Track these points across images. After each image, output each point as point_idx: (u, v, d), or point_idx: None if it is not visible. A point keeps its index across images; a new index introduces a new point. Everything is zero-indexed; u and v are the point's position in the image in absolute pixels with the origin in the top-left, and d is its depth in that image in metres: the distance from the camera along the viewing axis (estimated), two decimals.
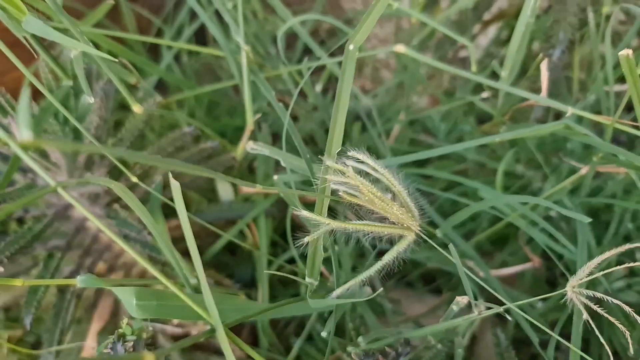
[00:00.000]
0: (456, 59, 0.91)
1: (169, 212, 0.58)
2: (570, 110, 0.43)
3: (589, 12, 0.57)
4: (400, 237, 0.38)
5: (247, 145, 0.46)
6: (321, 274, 0.59)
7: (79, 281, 0.38)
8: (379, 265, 0.37)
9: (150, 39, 0.51)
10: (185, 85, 0.61)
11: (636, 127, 0.44)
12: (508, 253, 0.66)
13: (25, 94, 0.23)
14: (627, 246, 0.44)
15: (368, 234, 0.37)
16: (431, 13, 0.72)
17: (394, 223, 0.37)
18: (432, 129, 0.72)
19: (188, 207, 0.62)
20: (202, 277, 0.29)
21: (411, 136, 0.69)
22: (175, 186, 0.28)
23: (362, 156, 0.36)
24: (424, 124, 0.73)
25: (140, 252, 0.58)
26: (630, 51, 0.34)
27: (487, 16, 0.77)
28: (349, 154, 0.35)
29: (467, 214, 0.48)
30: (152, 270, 0.35)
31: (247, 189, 0.60)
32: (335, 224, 0.35)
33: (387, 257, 0.37)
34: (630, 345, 0.42)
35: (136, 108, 0.43)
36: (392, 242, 0.62)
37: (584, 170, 0.50)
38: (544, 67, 0.48)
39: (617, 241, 0.63)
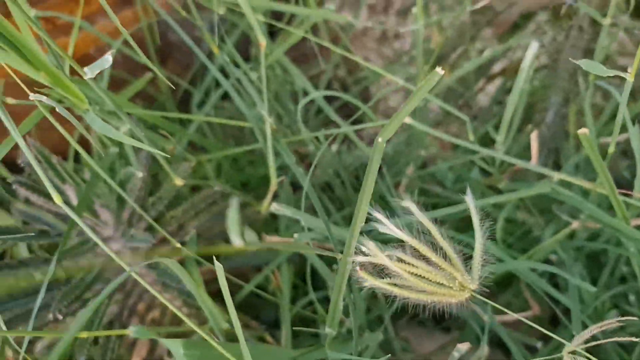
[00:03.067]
0: (466, 104, 0.97)
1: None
2: (556, 176, 0.49)
3: (579, 77, 0.63)
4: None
5: (271, 207, 0.53)
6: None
7: (132, 332, 0.45)
8: None
9: (180, 115, 0.58)
10: (213, 147, 0.69)
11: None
12: (512, 294, 0.71)
13: (234, 204, 0.29)
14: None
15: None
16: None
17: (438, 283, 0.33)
18: (440, 178, 0.78)
19: (218, 255, 0.68)
20: (239, 332, 0.35)
21: (420, 185, 0.75)
22: (219, 268, 0.34)
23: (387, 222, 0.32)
24: (432, 172, 0.79)
25: (177, 298, 0.64)
26: (587, 130, 0.40)
27: (491, 71, 0.83)
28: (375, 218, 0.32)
29: (483, 274, 0.54)
30: (188, 321, 0.41)
31: (270, 237, 0.67)
32: (376, 284, 0.33)
33: None
34: None
35: (177, 181, 0.50)
36: None
37: (575, 224, 0.56)
38: (533, 137, 0.54)
39: (613, 282, 0.68)
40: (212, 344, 0.37)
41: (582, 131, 0.41)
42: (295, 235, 0.53)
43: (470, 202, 0.32)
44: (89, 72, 0.38)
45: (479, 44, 0.87)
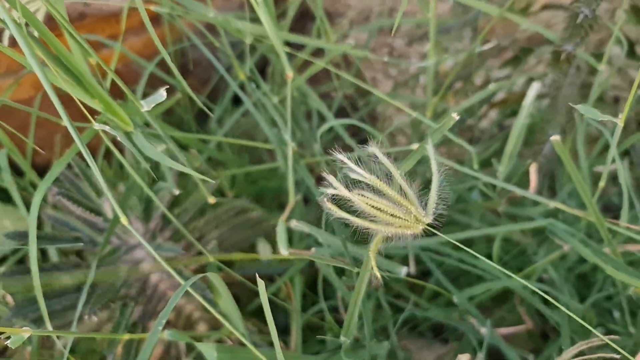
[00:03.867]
0: (469, 128, 1.03)
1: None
2: (551, 204, 0.55)
3: (575, 112, 0.68)
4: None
5: (291, 223, 0.58)
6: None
7: (166, 335, 0.49)
8: None
9: (210, 137, 0.63)
10: (231, 162, 0.74)
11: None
12: (506, 310, 0.76)
13: (282, 226, 0.32)
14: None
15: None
16: (444, 100, 0.83)
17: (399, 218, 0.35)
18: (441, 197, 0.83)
19: (233, 264, 0.73)
20: (275, 339, 0.40)
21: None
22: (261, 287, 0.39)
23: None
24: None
25: (191, 302, 0.69)
26: (558, 137, 0.46)
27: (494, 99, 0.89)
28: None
29: (481, 290, 0.60)
30: (233, 329, 0.46)
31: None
32: (341, 214, 0.34)
33: None
34: None
35: (211, 199, 0.55)
36: (402, 297, 0.73)
37: (566, 248, 0.61)
38: (532, 170, 0.59)
39: (599, 300, 0.74)
40: (249, 347, 0.42)
41: (555, 138, 0.46)
42: (313, 249, 0.58)
43: (429, 150, 0.37)
44: (145, 105, 0.43)
45: (484, 71, 0.93)
